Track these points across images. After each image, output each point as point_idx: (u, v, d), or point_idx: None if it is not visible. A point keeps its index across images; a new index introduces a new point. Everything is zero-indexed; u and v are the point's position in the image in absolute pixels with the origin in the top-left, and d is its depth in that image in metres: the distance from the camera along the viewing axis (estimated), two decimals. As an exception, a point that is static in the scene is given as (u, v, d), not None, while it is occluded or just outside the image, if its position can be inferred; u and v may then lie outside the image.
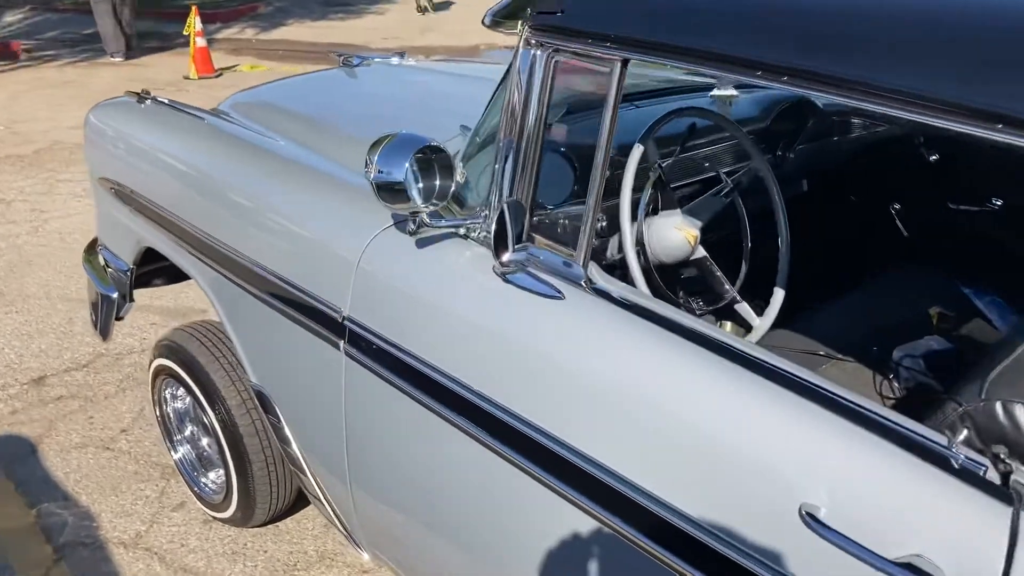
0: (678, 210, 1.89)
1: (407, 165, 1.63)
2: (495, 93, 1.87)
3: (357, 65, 3.17)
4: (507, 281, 1.64)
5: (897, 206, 2.82)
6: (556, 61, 1.63)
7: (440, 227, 1.74)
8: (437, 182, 1.68)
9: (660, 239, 1.86)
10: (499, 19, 1.78)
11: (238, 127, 2.55)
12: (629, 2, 1.56)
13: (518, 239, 1.62)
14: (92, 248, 3.13)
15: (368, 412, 1.93)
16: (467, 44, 12.21)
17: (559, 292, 1.58)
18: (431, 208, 1.69)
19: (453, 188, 1.70)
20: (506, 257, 1.61)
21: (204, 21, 10.09)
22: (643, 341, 1.50)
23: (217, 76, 9.99)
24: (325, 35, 13.09)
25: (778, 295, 1.97)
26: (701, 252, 1.91)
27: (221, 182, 2.30)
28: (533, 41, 1.65)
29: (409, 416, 1.81)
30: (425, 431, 1.79)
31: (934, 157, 2.69)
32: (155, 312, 4.17)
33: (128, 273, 2.81)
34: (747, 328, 2.02)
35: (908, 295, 2.32)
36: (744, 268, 2.02)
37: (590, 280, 1.58)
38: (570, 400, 1.52)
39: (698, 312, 1.95)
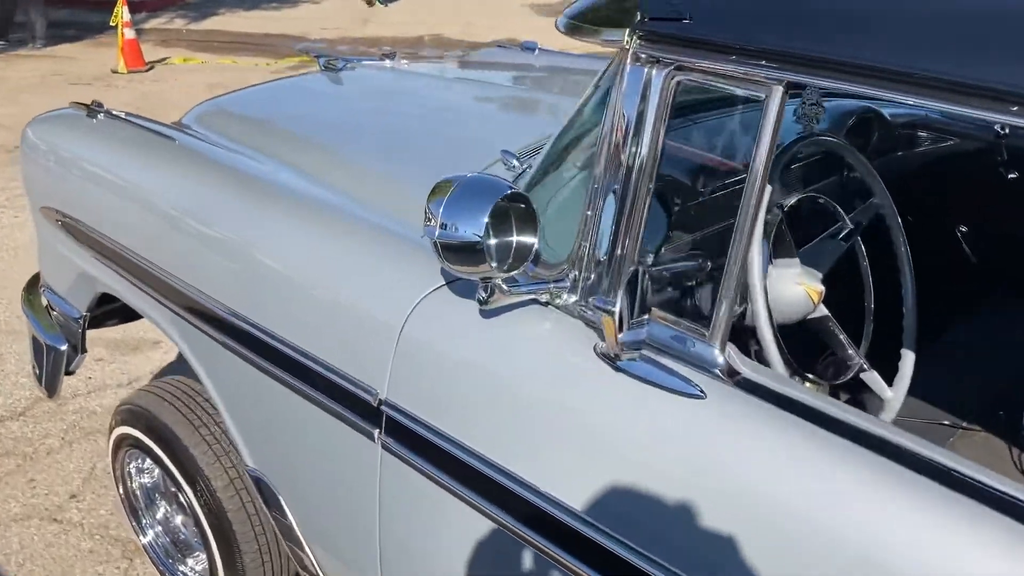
0: (796, 259, 1.52)
1: (485, 220, 1.24)
2: (574, 118, 1.48)
3: (341, 69, 2.74)
4: (619, 369, 1.26)
5: (964, 228, 2.51)
6: (678, 82, 1.25)
7: (519, 294, 1.35)
8: (516, 238, 1.29)
9: (777, 296, 1.50)
10: (580, 23, 1.39)
11: (219, 149, 2.11)
12: (794, 2, 1.19)
13: (634, 312, 1.23)
14: (33, 286, 2.65)
15: (413, 519, 1.53)
16: (411, 35, 11.75)
17: (698, 389, 1.20)
18: (510, 273, 1.30)
19: (536, 246, 1.31)
20: (620, 337, 1.22)
21: (130, 10, 9.43)
22: (800, 445, 1.15)
23: (148, 70, 9.35)
24: (260, 25, 12.47)
25: (908, 360, 1.63)
26: (823, 310, 1.56)
27: (204, 220, 1.87)
28: (644, 56, 1.26)
29: (469, 531, 1.42)
30: (492, 552, 1.40)
31: (1013, 175, 2.38)
32: (101, 345, 3.68)
33: (80, 321, 2.35)
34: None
35: (1012, 336, 2.02)
36: (869, 327, 1.68)
37: (732, 369, 1.21)
38: (710, 526, 1.15)
39: (822, 385, 1.60)
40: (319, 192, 1.87)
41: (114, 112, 2.31)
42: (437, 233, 1.27)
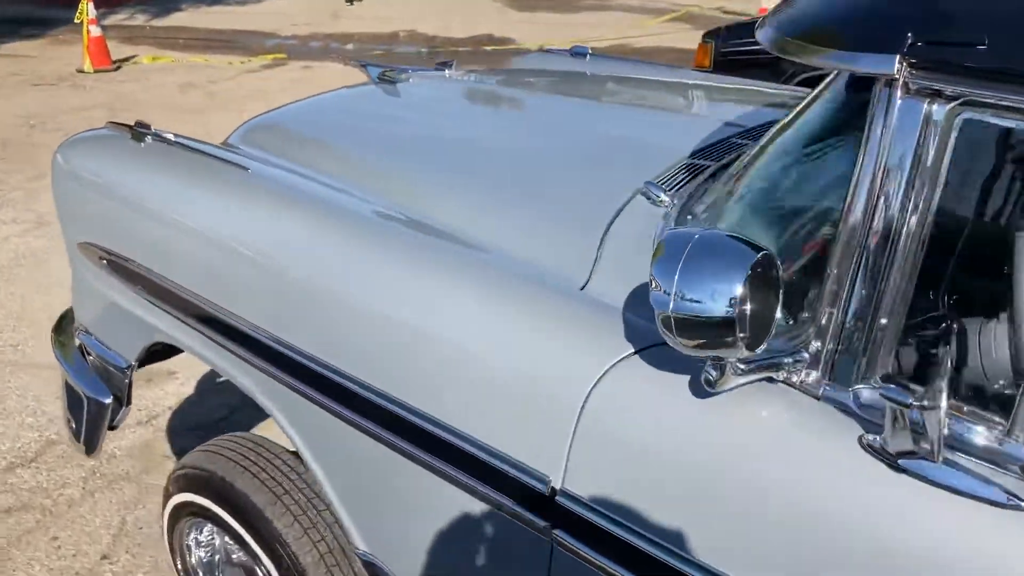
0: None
1: (738, 290, 1.01)
2: (776, 151, 1.26)
3: (397, 81, 2.48)
4: (900, 469, 1.04)
5: None
6: (965, 120, 1.03)
7: (754, 372, 1.12)
8: (766, 309, 1.06)
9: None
10: (807, 42, 1.16)
11: (306, 182, 1.84)
12: None
13: (928, 399, 1.00)
14: (62, 327, 2.37)
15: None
16: (385, 32, 11.44)
17: (1005, 495, 0.99)
18: (755, 350, 1.07)
19: (779, 318, 1.08)
20: (910, 430, 1.00)
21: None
22: None
23: (116, 69, 8.95)
24: (226, 21, 12.07)
25: None
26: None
27: (306, 268, 1.61)
28: (917, 87, 1.04)
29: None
30: None
31: None
32: (110, 378, 3.38)
33: (127, 371, 2.08)
34: None
35: None
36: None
37: (1046, 470, 1.00)
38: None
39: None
40: (434, 232, 1.62)
41: (163, 134, 2.03)
42: (672, 306, 1.04)
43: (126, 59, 9.40)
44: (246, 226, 1.72)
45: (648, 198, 1.60)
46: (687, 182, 1.66)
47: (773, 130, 1.54)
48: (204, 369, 3.42)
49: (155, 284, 1.88)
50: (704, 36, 4.69)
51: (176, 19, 12.30)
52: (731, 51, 4.47)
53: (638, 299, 1.36)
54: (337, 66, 9.35)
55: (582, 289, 1.42)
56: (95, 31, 8.78)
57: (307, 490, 1.79)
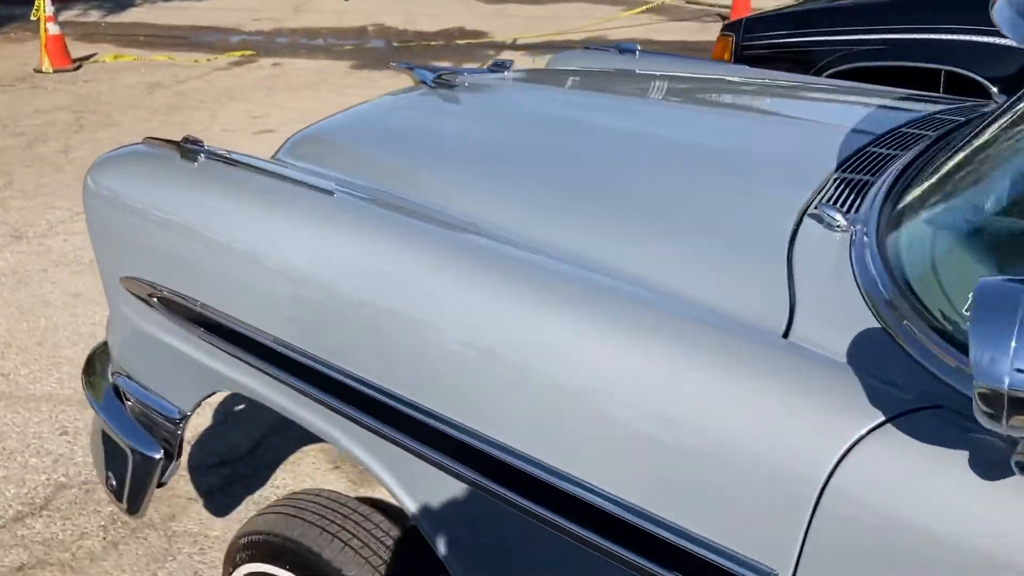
0: None
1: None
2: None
3: (455, 85, 2.24)
4: None
5: None
6: None
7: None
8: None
9: None
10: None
11: (410, 212, 1.59)
12: None
13: None
14: (93, 366, 2.10)
15: None
16: (353, 25, 11.12)
17: None
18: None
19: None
20: None
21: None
22: None
23: (76, 68, 8.54)
24: (186, 17, 11.65)
25: None
26: None
27: (418, 311, 1.37)
28: None
29: None
30: None
31: None
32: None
33: (180, 422, 1.82)
34: None
35: None
36: None
37: None
38: None
39: None
40: (578, 268, 1.39)
41: (217, 151, 1.77)
42: (1009, 380, 0.83)
43: (86, 58, 8.98)
44: (342, 263, 1.47)
45: (819, 220, 1.39)
46: (854, 200, 1.46)
47: (972, 138, 1.34)
48: (219, 397, 3.15)
49: (222, 326, 1.63)
50: (723, 29, 4.49)
51: (133, 15, 11.85)
52: (753, 44, 4.29)
53: (864, 349, 1.14)
54: (308, 62, 9.04)
55: (785, 337, 1.20)
56: (53, 29, 8.36)
57: (416, 563, 1.56)
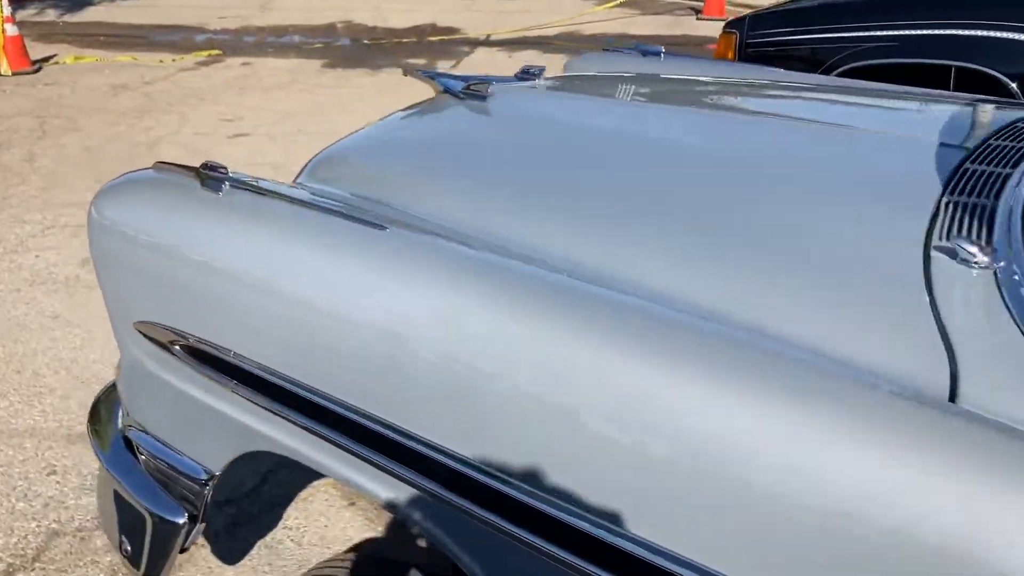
0: None
1: None
2: None
3: (486, 97, 2.06)
4: None
5: None
6: None
7: None
8: None
9: None
10: None
11: (474, 249, 1.40)
12: None
13: None
14: (99, 414, 1.89)
15: None
16: (321, 23, 10.86)
17: None
18: None
19: None
20: None
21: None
22: None
23: (36, 71, 8.21)
24: (147, 16, 11.30)
25: None
26: None
27: (502, 369, 1.19)
28: None
29: None
30: None
31: None
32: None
33: (207, 483, 1.63)
34: None
35: None
36: None
37: None
38: None
39: None
40: (684, 313, 1.21)
41: (243, 178, 1.58)
42: None
43: (46, 59, 8.64)
44: (410, 311, 1.28)
45: (951, 255, 1.24)
46: (979, 230, 1.31)
47: None
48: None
49: (260, 379, 1.44)
50: (726, 26, 4.34)
51: (91, 14, 11.48)
52: (758, 42, 4.14)
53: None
54: (278, 61, 8.78)
55: (952, 400, 1.04)
56: (11, 30, 8.01)
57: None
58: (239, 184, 1.57)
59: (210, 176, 1.58)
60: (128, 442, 1.80)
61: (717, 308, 1.22)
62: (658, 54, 2.65)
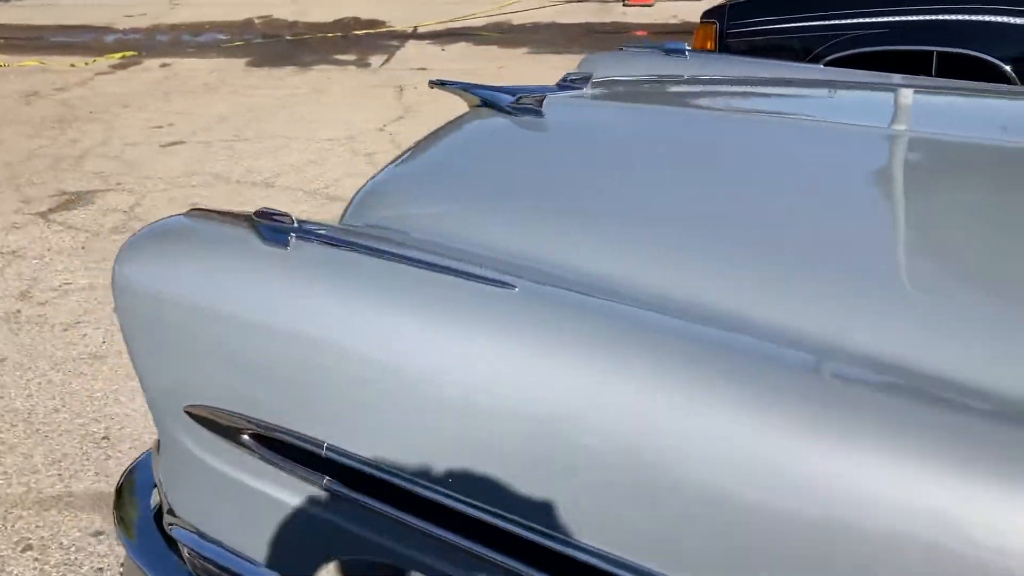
0: None
1: None
2: None
3: (542, 112, 1.82)
4: None
5: None
6: None
7: None
8: None
9: None
10: None
11: (651, 314, 1.17)
12: None
13: None
14: (123, 499, 1.61)
15: None
16: (238, 19, 10.39)
17: None
18: None
19: None
20: None
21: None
22: None
23: (-65, 80, 7.59)
24: (47, 15, 10.64)
25: None
26: None
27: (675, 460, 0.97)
28: None
29: None
30: None
31: None
32: (87, 506, 2.56)
33: (283, 593, 1.36)
34: None
35: None
36: None
37: None
38: None
39: None
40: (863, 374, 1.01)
41: (311, 228, 1.32)
42: None
43: (-57, 67, 8.03)
44: (560, 391, 1.05)
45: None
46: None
47: None
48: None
49: (362, 476, 1.19)
50: (703, 16, 4.17)
51: (-15, 15, 10.76)
52: (739, 31, 3.98)
53: None
54: (199, 61, 8.32)
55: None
56: (-96, 36, 7.39)
57: None
58: (306, 235, 1.30)
59: (270, 227, 1.31)
60: (167, 537, 1.52)
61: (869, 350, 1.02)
62: (682, 52, 2.44)
